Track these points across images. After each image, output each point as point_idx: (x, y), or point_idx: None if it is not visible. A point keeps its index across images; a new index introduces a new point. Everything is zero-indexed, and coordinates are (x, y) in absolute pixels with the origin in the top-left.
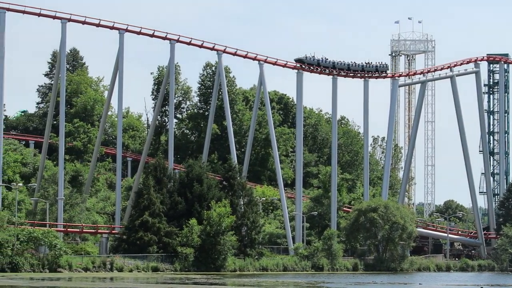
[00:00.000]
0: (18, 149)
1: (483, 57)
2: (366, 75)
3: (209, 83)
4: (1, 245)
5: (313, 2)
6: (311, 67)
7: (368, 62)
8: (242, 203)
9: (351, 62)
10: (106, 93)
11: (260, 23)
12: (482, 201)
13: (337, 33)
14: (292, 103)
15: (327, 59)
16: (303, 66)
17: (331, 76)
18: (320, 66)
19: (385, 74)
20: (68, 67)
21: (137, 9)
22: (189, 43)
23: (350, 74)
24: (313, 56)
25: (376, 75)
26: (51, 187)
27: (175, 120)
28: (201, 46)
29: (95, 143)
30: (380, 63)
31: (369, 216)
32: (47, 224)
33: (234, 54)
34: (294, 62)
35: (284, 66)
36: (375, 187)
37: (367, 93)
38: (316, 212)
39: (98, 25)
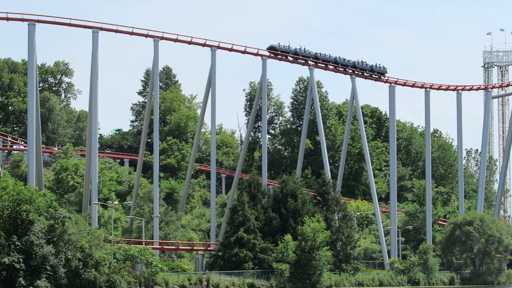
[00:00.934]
0: (113, 168)
1: None
2: (357, 72)
3: (301, 98)
4: (98, 263)
5: (402, 13)
6: (284, 56)
7: (363, 61)
8: (336, 218)
9: (339, 56)
10: (199, 110)
11: (350, 36)
12: None
13: (427, 45)
14: (385, 116)
15: (306, 49)
16: (276, 54)
17: (424, 89)
18: (298, 56)
19: (384, 77)
20: (161, 85)
21: (228, 26)
22: (280, 59)
23: (403, 81)
24: (288, 45)
25: (373, 76)
26: (146, 204)
27: (268, 136)
28: (292, 62)
29: (189, 160)
30: (378, 64)
31: (464, 229)
32: (143, 242)
33: (326, 68)
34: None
35: (376, 80)
36: (470, 200)
37: (460, 106)
38: (411, 226)
39: (190, 43)
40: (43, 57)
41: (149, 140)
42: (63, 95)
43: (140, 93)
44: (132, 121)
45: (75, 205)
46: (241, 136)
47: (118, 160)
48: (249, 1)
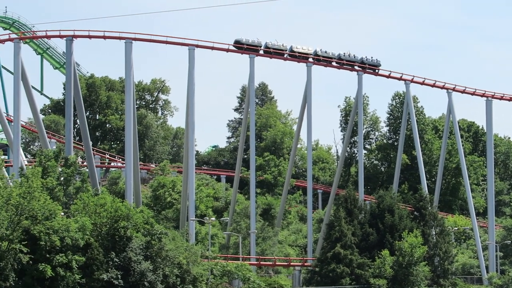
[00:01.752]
0: (210, 184)
1: None
2: (346, 66)
3: (398, 113)
4: (196, 279)
5: (498, 27)
6: (252, 49)
7: (350, 54)
8: (434, 233)
9: (320, 49)
10: (295, 126)
11: (446, 50)
12: None
13: None
14: (482, 131)
15: (282, 44)
16: (243, 48)
17: None
18: (269, 49)
19: (377, 71)
20: (257, 101)
21: (325, 41)
22: (376, 74)
23: (499, 95)
24: (257, 39)
25: (367, 70)
26: (243, 220)
27: (364, 151)
28: (388, 77)
29: (285, 176)
30: (369, 57)
31: None
32: (240, 258)
33: (422, 83)
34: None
35: (473, 94)
36: None
37: None
38: (510, 241)
39: (285, 59)
40: (140, 74)
41: (245, 156)
42: (160, 112)
43: (236, 109)
44: (228, 138)
45: (172, 221)
46: (337, 152)
47: (215, 177)
48: (343, 16)
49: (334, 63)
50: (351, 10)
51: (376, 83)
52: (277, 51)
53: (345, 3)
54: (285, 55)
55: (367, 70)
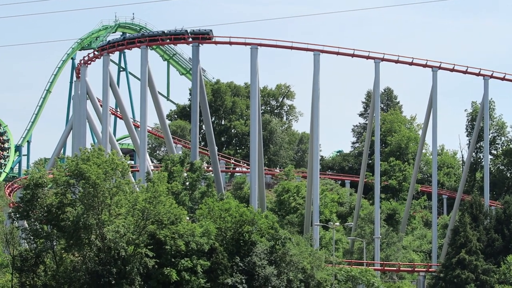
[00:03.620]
0: (335, 189)
1: None
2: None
3: None
4: (320, 284)
5: None
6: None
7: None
8: None
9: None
10: (420, 131)
11: None
12: None
13: None
14: None
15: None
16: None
17: None
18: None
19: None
20: (382, 106)
21: (449, 46)
22: (503, 79)
23: None
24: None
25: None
26: (367, 226)
27: (490, 156)
28: None
29: (410, 181)
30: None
31: None
32: (364, 263)
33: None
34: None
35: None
36: None
37: None
38: None
39: (411, 64)
40: (265, 80)
41: (370, 161)
42: (284, 117)
43: (361, 114)
44: (353, 143)
45: (297, 226)
46: (462, 157)
47: (339, 182)
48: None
49: (459, 68)
50: (473, 16)
51: (504, 87)
52: (404, 56)
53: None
54: (412, 60)
55: (493, 75)
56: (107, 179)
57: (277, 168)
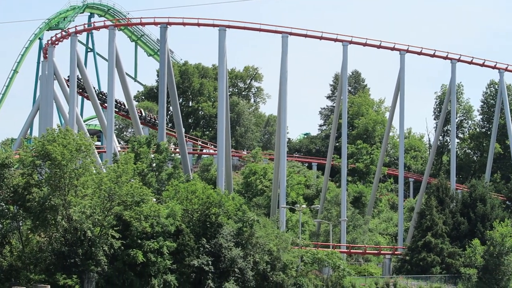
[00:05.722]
0: (301, 171)
1: None
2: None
3: (492, 102)
4: (286, 266)
5: None
6: None
7: None
8: None
9: None
10: (387, 114)
11: None
12: None
13: None
14: None
15: None
16: None
17: None
18: None
19: None
20: (349, 89)
21: (417, 30)
22: (470, 62)
23: None
24: None
25: None
26: (334, 208)
27: (457, 140)
28: (482, 65)
29: (377, 164)
30: None
31: None
32: (331, 245)
33: None
34: None
35: None
36: None
37: None
38: None
39: (379, 47)
40: (233, 62)
41: (337, 144)
42: (252, 100)
43: (328, 97)
44: (320, 125)
45: (263, 208)
46: (429, 140)
47: (306, 164)
48: (438, 4)
49: (427, 51)
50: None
51: (471, 71)
52: (372, 39)
53: None
54: (379, 43)
55: (460, 59)
56: (73, 160)
57: (244, 150)
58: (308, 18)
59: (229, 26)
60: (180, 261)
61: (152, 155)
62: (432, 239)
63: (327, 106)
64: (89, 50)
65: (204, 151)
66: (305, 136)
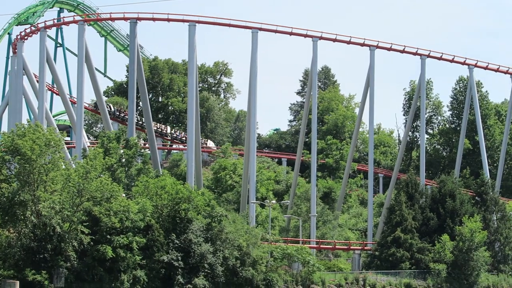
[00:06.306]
0: (271, 167)
1: None
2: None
3: (461, 97)
4: (256, 262)
5: None
6: None
7: None
8: (495, 218)
9: None
10: (357, 110)
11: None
12: None
13: None
14: None
15: None
16: None
17: None
18: None
19: None
20: (319, 84)
21: (387, 26)
22: (440, 58)
23: None
24: None
25: None
26: (303, 204)
27: (426, 136)
28: (452, 61)
29: (346, 159)
30: None
31: None
32: (300, 241)
33: (486, 68)
34: None
35: None
36: None
37: None
38: None
39: (349, 43)
40: (203, 57)
41: (307, 139)
42: (222, 95)
43: (298, 93)
44: (290, 121)
45: (233, 204)
46: (399, 136)
47: (276, 160)
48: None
49: (396, 47)
50: None
51: (440, 67)
52: (342, 35)
53: None
54: (349, 39)
55: (430, 55)
56: (42, 155)
57: (214, 145)
58: (278, 14)
59: (199, 22)
60: (149, 257)
61: (122, 151)
62: (402, 235)
63: (297, 101)
64: (58, 45)
65: (174, 146)
66: (275, 132)
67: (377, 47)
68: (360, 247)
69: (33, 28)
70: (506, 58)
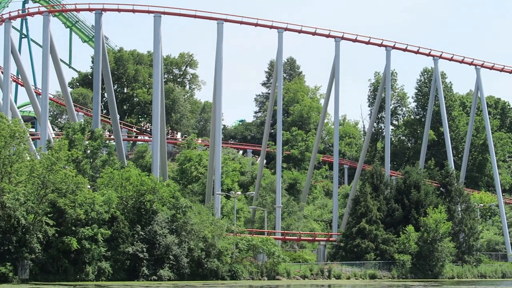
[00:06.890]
0: (237, 158)
1: None
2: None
3: (426, 89)
4: (221, 253)
5: None
6: None
7: None
8: (459, 209)
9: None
10: (322, 101)
11: (475, 27)
12: None
13: None
14: (509, 107)
15: None
16: None
17: None
18: None
19: None
20: (285, 76)
21: (352, 17)
22: (405, 49)
23: None
24: None
25: None
26: (269, 195)
27: (391, 127)
28: (417, 52)
29: (312, 151)
30: None
31: None
32: (266, 232)
33: (451, 59)
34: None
35: (501, 70)
36: None
37: None
38: None
39: (314, 34)
40: (168, 48)
41: (272, 130)
42: (187, 86)
43: (263, 84)
44: (255, 112)
45: (199, 195)
46: (364, 127)
47: (241, 151)
48: None
49: (361, 39)
50: None
51: (405, 59)
52: (307, 26)
53: None
54: (315, 30)
55: (395, 46)
56: (7, 146)
57: (180, 137)
58: (245, 5)
59: (164, 13)
60: (114, 248)
61: (87, 142)
62: (367, 226)
63: (262, 93)
64: (23, 36)
65: (139, 137)
66: (241, 123)
67: (342, 38)
68: (325, 238)
69: None
70: (471, 49)
